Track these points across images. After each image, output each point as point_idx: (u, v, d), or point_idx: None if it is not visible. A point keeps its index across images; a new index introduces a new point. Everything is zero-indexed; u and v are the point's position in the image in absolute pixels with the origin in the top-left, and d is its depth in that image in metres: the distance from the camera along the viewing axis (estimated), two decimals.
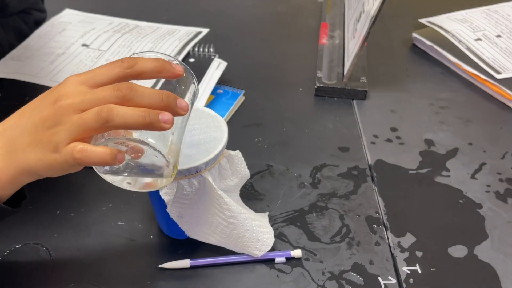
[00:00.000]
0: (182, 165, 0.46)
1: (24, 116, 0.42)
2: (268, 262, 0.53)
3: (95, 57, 0.79)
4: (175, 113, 0.41)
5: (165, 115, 0.39)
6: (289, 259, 0.54)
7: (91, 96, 0.40)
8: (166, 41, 0.82)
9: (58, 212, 0.58)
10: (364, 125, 0.73)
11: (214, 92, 0.75)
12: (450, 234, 0.57)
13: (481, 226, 0.58)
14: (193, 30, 0.85)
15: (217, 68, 0.76)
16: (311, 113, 0.76)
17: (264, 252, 0.53)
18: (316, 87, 0.78)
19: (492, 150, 0.68)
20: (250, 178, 0.63)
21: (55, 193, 0.61)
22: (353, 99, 0.78)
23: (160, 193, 0.47)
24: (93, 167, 0.43)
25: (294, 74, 0.84)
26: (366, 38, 0.72)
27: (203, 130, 0.52)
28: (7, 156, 0.42)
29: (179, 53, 0.78)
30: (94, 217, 0.58)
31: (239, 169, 0.53)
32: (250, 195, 0.61)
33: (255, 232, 0.52)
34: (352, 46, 0.78)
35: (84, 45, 0.82)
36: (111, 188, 0.61)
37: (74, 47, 0.81)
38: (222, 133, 0.50)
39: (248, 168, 0.62)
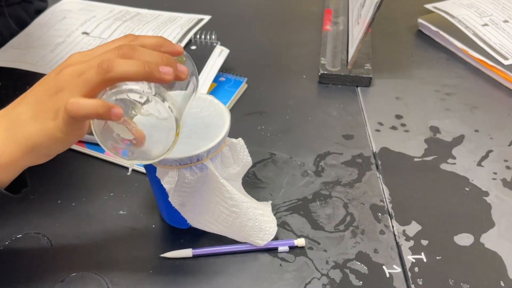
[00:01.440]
0: (184, 153, 0.45)
1: (27, 96, 0.42)
2: (271, 251, 0.53)
3: (95, 45, 0.77)
4: (175, 75, 0.41)
5: (165, 68, 0.40)
6: (293, 248, 0.53)
7: (92, 59, 0.40)
8: (168, 28, 0.81)
9: (59, 201, 0.58)
10: (369, 112, 0.72)
11: (216, 79, 0.74)
12: (456, 222, 0.56)
13: (487, 214, 0.57)
14: (195, 17, 0.84)
15: (219, 56, 0.75)
16: (315, 101, 0.75)
17: (267, 241, 0.52)
18: (319, 74, 0.77)
19: (499, 137, 0.67)
20: (253, 167, 0.62)
21: (56, 183, 0.60)
22: (357, 86, 0.77)
23: (162, 182, 0.47)
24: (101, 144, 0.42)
25: (298, 61, 0.83)
26: (370, 24, 0.71)
27: (205, 118, 0.51)
28: (7, 133, 0.41)
29: (180, 40, 0.77)
30: (96, 207, 0.57)
31: (241, 157, 0.52)
32: (253, 183, 0.61)
33: (257, 221, 0.51)
34: (357, 33, 0.77)
35: (84, 33, 0.81)
36: (113, 178, 0.61)
37: (74, 35, 0.80)
38: (224, 121, 0.49)
39: (251, 157, 0.61)
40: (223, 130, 0.48)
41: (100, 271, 0.51)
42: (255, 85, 0.77)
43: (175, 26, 0.81)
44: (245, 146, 0.52)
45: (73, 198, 0.58)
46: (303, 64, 0.82)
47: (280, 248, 0.53)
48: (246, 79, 0.76)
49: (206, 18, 0.83)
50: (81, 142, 0.64)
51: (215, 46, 0.77)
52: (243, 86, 0.75)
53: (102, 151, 0.63)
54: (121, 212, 0.57)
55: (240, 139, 0.51)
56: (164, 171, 0.47)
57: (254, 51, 0.85)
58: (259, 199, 0.58)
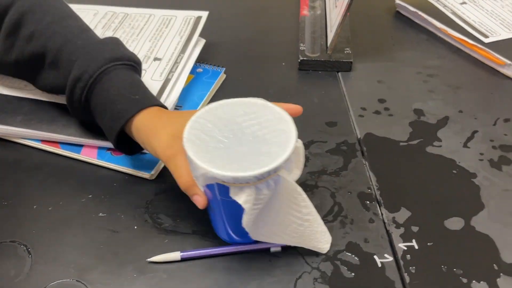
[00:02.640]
0: (259, 167, 0.42)
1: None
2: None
3: None
4: None
5: None
6: (284, 247, 0.51)
7: None
8: (165, 38, 0.73)
9: (35, 206, 0.55)
10: (351, 97, 0.70)
11: (193, 71, 0.72)
12: (446, 206, 0.55)
13: (476, 196, 0.56)
14: (190, 15, 0.78)
15: (195, 46, 0.73)
16: (296, 88, 0.73)
17: (329, 243, 0.50)
18: (299, 60, 0.75)
19: (484, 117, 0.66)
20: None
21: (30, 187, 0.57)
22: (338, 72, 0.75)
23: (239, 202, 0.43)
24: None
25: (276, 48, 0.81)
26: (349, 7, 0.69)
27: (264, 124, 0.46)
28: None
29: (182, 51, 0.71)
30: (74, 210, 0.55)
31: (301, 160, 0.49)
32: None
33: (324, 225, 0.50)
34: (335, 16, 0.75)
35: None
36: (90, 179, 0.58)
37: None
38: (288, 125, 0.46)
39: None
40: (292, 135, 0.45)
41: (82, 278, 0.48)
42: (234, 75, 0.75)
43: (173, 33, 0.74)
44: (303, 148, 0.49)
45: (49, 202, 0.56)
46: (282, 51, 0.80)
47: (272, 249, 0.51)
48: (224, 69, 0.74)
49: (204, 14, 0.77)
50: (55, 142, 0.61)
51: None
52: (222, 77, 0.73)
53: (78, 151, 0.61)
54: (101, 214, 0.54)
55: (300, 141, 0.47)
56: (239, 190, 0.43)
57: (231, 40, 0.82)
58: None
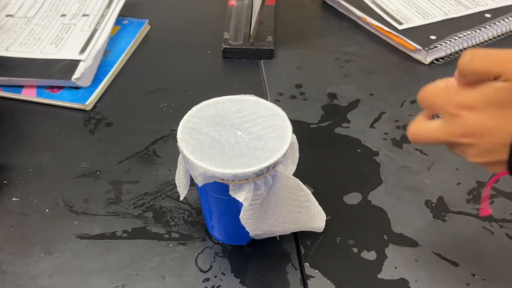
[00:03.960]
0: (259, 163, 0.42)
1: None
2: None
3: (23, 24, 0.78)
4: None
5: None
6: None
7: None
8: None
9: None
10: (270, 84, 0.73)
11: (120, 23, 0.81)
12: (346, 183, 0.58)
13: (376, 172, 0.59)
14: None
15: (118, 2, 0.81)
16: (219, 76, 0.75)
17: (324, 221, 0.52)
18: (222, 48, 0.77)
19: (392, 99, 0.70)
20: (153, 144, 0.63)
21: None
22: (260, 59, 0.78)
23: (240, 199, 0.43)
24: None
25: (202, 37, 0.83)
26: None
27: (258, 120, 0.46)
28: None
29: (108, 6, 0.80)
30: None
31: (296, 155, 0.49)
32: (152, 160, 0.61)
33: (318, 206, 0.52)
34: (257, 6, 0.77)
35: (8, 15, 0.79)
36: (6, 165, 0.60)
37: None
38: (282, 120, 0.46)
39: (151, 134, 0.61)
40: (288, 130, 0.45)
41: None
42: (159, 62, 0.76)
43: None
44: (297, 143, 0.49)
45: None
46: (208, 39, 0.82)
47: None
48: (147, 20, 0.83)
49: None
50: None
51: None
52: (146, 27, 0.82)
53: (19, 91, 0.69)
54: (14, 199, 0.56)
55: (294, 135, 0.48)
56: (239, 188, 0.43)
57: (158, 27, 0.84)
58: (157, 175, 0.59)
